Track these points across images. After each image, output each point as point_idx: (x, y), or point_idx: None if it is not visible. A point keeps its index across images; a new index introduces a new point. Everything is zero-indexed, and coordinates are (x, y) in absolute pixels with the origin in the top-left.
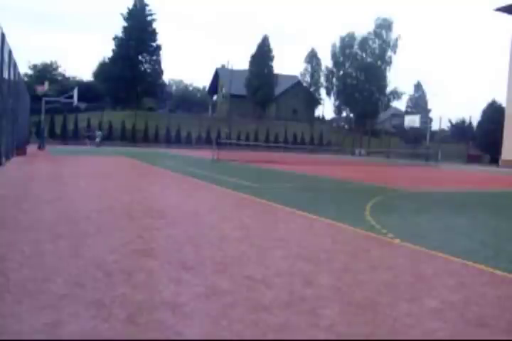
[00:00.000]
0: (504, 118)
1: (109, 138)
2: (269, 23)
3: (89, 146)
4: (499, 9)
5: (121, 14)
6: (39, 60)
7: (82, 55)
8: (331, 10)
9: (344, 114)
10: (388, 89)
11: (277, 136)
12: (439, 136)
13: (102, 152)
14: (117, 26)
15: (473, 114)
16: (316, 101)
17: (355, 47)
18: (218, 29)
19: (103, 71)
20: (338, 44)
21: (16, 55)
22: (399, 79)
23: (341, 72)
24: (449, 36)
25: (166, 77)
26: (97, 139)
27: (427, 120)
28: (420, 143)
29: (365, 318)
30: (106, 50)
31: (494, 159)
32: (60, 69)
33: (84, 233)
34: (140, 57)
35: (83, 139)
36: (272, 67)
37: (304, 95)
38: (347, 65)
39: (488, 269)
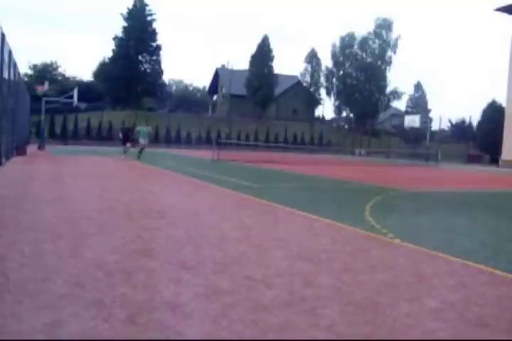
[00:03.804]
0: (504, 118)
1: (109, 138)
2: (269, 23)
3: (123, 156)
4: (499, 9)
5: (121, 14)
6: (39, 60)
7: (82, 55)
8: (331, 10)
9: (344, 114)
10: (388, 89)
11: (277, 136)
12: (439, 136)
13: (103, 152)
14: (117, 26)
15: (473, 114)
16: (316, 101)
17: (355, 47)
18: (218, 29)
19: (103, 71)
20: (338, 44)
21: (16, 55)
22: (399, 79)
23: (341, 72)
24: (449, 36)
25: (166, 77)
26: (143, 140)
27: (427, 120)
28: (420, 143)
29: (365, 318)
30: (106, 50)
31: (494, 159)
32: (60, 69)
33: (85, 233)
34: (140, 57)
35: (116, 141)
36: (272, 67)
37: (304, 95)
38: (347, 65)
39: (488, 269)
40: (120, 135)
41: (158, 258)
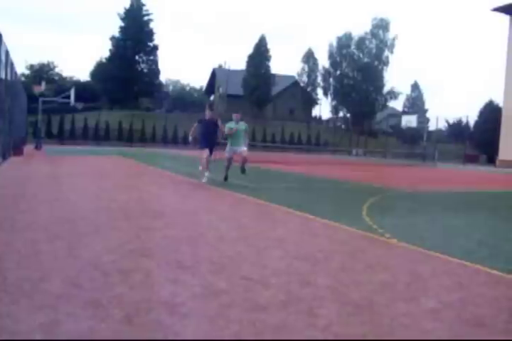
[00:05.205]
0: (501, 118)
1: (106, 138)
2: (266, 23)
3: (204, 180)
4: (496, 9)
5: (118, 14)
6: (36, 59)
7: (79, 55)
8: (328, 10)
9: (341, 114)
10: (385, 89)
11: (274, 136)
12: (436, 136)
13: (100, 152)
14: (114, 26)
15: (470, 114)
16: (313, 101)
17: (352, 47)
18: (216, 29)
19: (100, 71)
20: (335, 44)
21: (13, 55)
22: (396, 79)
23: (338, 72)
24: (447, 36)
25: (163, 77)
26: (237, 147)
27: (424, 120)
28: (417, 143)
29: (362, 318)
30: (103, 50)
31: (491, 159)
32: (57, 69)
33: (81, 233)
34: (137, 57)
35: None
36: (269, 67)
37: (300, 95)
38: (344, 65)
39: (485, 269)
40: (194, 131)
41: (155, 258)
